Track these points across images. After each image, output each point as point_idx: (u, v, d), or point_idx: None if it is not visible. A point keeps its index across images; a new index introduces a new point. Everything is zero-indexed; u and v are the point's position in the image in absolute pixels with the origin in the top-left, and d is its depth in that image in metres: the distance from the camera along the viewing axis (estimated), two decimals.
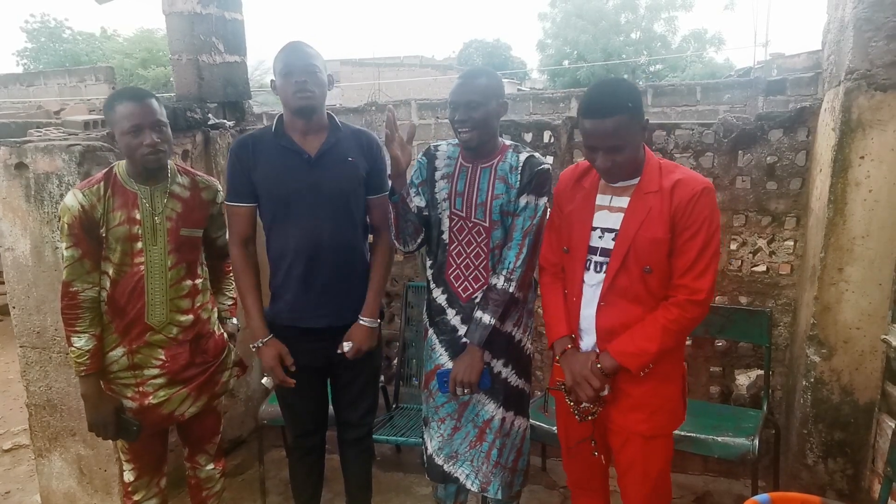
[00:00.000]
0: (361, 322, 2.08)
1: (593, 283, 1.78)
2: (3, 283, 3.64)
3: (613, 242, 1.73)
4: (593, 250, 1.78)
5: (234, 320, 2.26)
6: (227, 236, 2.10)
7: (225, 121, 3.12)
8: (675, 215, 1.66)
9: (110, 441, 2.20)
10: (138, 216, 1.89)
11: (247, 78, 3.39)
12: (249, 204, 2.03)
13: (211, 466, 2.21)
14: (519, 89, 18.04)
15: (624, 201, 1.73)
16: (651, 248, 1.68)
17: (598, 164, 1.69)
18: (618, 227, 1.73)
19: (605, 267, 1.75)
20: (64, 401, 2.53)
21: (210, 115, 3.03)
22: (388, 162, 1.96)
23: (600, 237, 1.76)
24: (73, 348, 1.90)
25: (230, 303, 2.23)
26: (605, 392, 1.77)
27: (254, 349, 2.04)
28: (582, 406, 1.80)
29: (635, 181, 1.73)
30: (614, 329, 1.75)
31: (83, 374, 1.90)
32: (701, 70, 23.78)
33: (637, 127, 1.65)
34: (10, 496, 2.97)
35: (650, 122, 2.84)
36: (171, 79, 3.21)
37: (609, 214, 1.75)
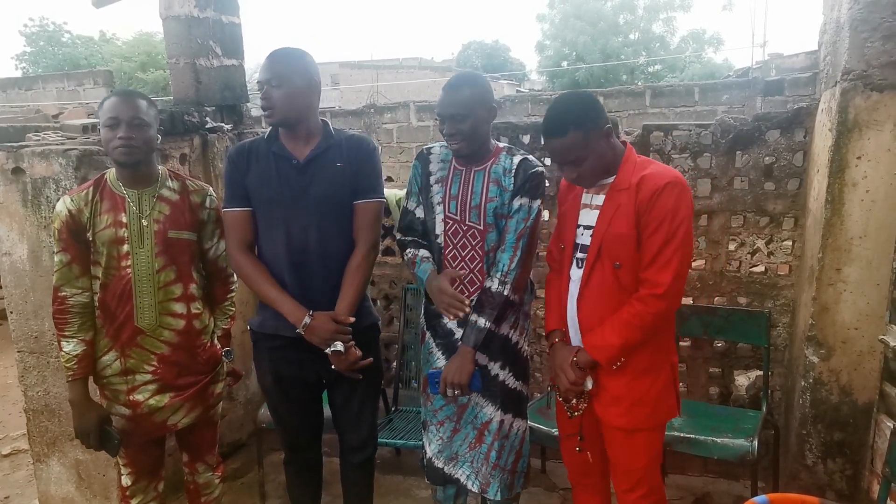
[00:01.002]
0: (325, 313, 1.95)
1: (576, 279, 1.85)
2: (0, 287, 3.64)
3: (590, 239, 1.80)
4: (577, 247, 1.85)
5: (228, 354, 2.18)
6: (227, 244, 2.04)
7: (223, 124, 3.12)
8: (639, 210, 1.71)
9: None
10: (124, 219, 1.90)
11: (244, 81, 3.39)
12: (245, 208, 2.00)
13: (210, 474, 2.20)
14: (518, 90, 18.06)
15: (601, 199, 1.80)
16: (618, 244, 1.74)
17: (565, 176, 1.80)
18: (594, 225, 1.79)
19: (584, 262, 1.82)
20: (62, 406, 2.52)
21: (208, 118, 3.03)
22: (381, 167, 1.99)
23: (582, 234, 1.84)
24: (62, 352, 1.92)
25: (219, 333, 2.15)
26: (589, 386, 1.82)
27: (302, 332, 1.92)
28: (570, 402, 1.85)
29: (612, 179, 1.78)
30: (591, 323, 1.81)
31: (70, 378, 1.92)
32: (700, 70, 23.79)
33: (595, 137, 1.70)
34: (9, 501, 2.97)
35: (648, 123, 2.86)
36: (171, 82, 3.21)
37: (590, 212, 1.82)
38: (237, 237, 2.00)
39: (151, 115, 1.90)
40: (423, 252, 2.08)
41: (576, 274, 1.85)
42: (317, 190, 1.96)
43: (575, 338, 1.88)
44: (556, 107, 1.74)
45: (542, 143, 1.79)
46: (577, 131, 1.68)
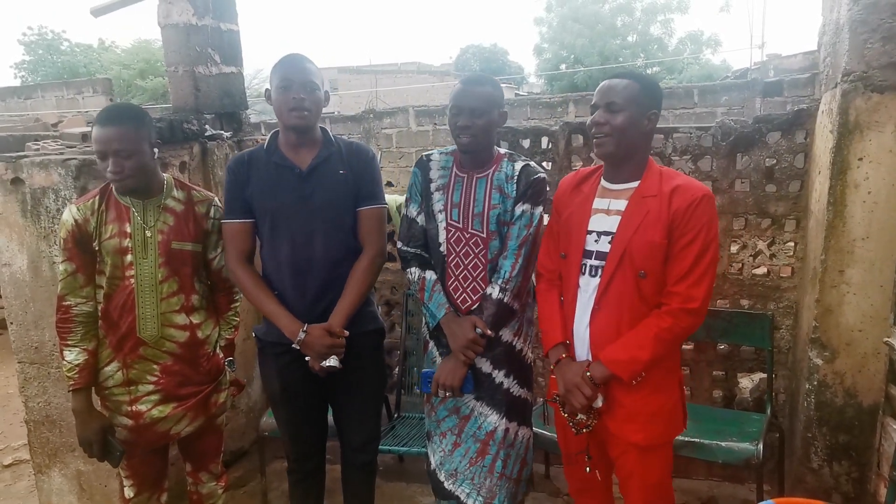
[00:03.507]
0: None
1: (589, 288, 1.76)
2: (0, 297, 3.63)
3: (610, 246, 1.72)
4: (588, 254, 1.76)
5: (231, 364, 2.16)
6: (226, 256, 2.04)
7: (222, 132, 3.12)
8: (674, 220, 1.65)
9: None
10: (129, 229, 1.89)
11: (243, 88, 3.38)
12: (245, 220, 2.01)
13: (213, 483, 2.19)
14: (517, 94, 18.04)
15: (622, 204, 1.72)
16: (647, 252, 1.67)
17: (593, 118, 1.72)
18: (614, 230, 1.71)
19: (600, 271, 1.73)
20: (63, 416, 2.51)
21: (207, 126, 3.03)
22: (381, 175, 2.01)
23: (596, 241, 1.75)
24: (64, 362, 1.91)
25: (223, 343, 2.13)
26: (599, 403, 1.75)
27: (297, 346, 1.95)
28: (577, 418, 1.77)
29: (635, 184, 1.72)
30: (607, 335, 1.73)
31: (72, 388, 1.91)
32: (698, 72, 23.80)
33: (643, 105, 1.70)
34: None
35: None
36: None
37: (606, 217, 1.75)
38: (236, 249, 2.01)
39: (140, 138, 1.84)
40: (431, 274, 2.04)
41: (588, 283, 1.76)
42: (320, 197, 1.97)
43: (581, 350, 1.80)
44: (633, 69, 1.80)
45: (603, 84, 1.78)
46: (636, 83, 1.69)
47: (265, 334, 2.08)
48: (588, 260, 1.76)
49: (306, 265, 1.98)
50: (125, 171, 1.82)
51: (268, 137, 2.05)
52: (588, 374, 1.73)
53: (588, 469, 1.85)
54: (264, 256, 2.05)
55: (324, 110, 2.06)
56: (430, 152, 2.13)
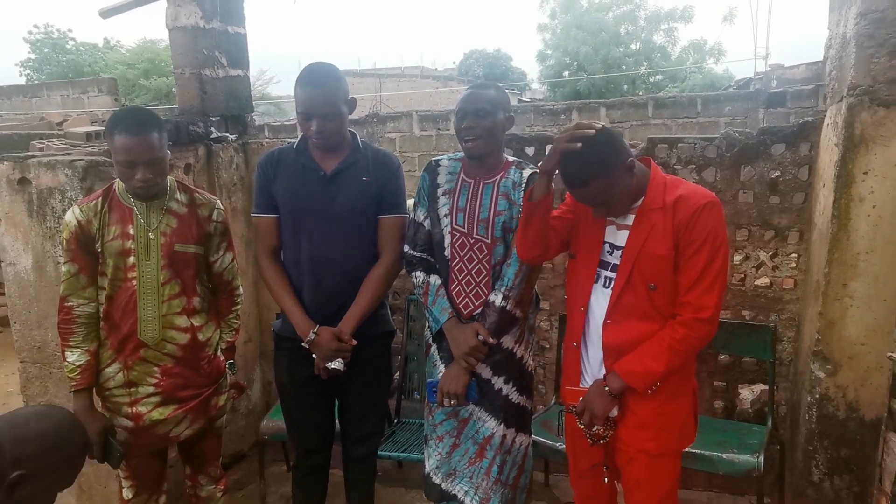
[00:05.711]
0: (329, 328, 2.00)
1: (603, 300, 1.77)
2: (2, 294, 3.64)
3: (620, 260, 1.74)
4: (605, 265, 1.78)
5: (232, 367, 2.16)
6: (255, 249, 2.13)
7: (227, 134, 3.13)
8: (679, 231, 1.65)
9: None
10: (132, 231, 1.89)
11: (249, 91, 3.40)
12: (272, 215, 2.07)
13: (212, 486, 2.19)
14: (520, 100, 18.09)
15: (630, 219, 1.74)
16: (655, 265, 1.68)
17: (595, 215, 1.76)
18: (623, 245, 1.73)
19: (613, 283, 1.75)
20: None
21: (213, 128, 3.04)
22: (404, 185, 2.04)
23: (610, 253, 1.77)
24: (66, 363, 1.91)
25: (224, 345, 2.13)
26: (615, 413, 1.76)
27: (307, 346, 2.00)
28: (593, 430, 1.77)
29: (639, 201, 1.73)
30: (621, 347, 1.74)
31: (73, 389, 1.91)
32: (700, 81, 23.83)
33: (618, 175, 1.64)
34: None
35: (653, 136, 2.85)
36: (174, 90, 3.22)
37: (617, 231, 1.77)
38: (264, 243, 2.09)
39: (164, 145, 1.87)
40: (435, 279, 2.05)
41: (603, 294, 1.77)
42: (342, 202, 2.01)
43: (595, 360, 1.81)
44: (573, 160, 1.64)
45: (567, 188, 1.75)
46: (599, 178, 1.62)
47: (281, 329, 2.14)
48: (604, 271, 1.78)
49: (323, 266, 2.03)
50: (154, 178, 1.84)
51: (299, 137, 2.09)
52: (606, 388, 1.74)
53: (606, 480, 1.86)
54: (285, 253, 2.10)
55: None
56: (439, 157, 2.14)
